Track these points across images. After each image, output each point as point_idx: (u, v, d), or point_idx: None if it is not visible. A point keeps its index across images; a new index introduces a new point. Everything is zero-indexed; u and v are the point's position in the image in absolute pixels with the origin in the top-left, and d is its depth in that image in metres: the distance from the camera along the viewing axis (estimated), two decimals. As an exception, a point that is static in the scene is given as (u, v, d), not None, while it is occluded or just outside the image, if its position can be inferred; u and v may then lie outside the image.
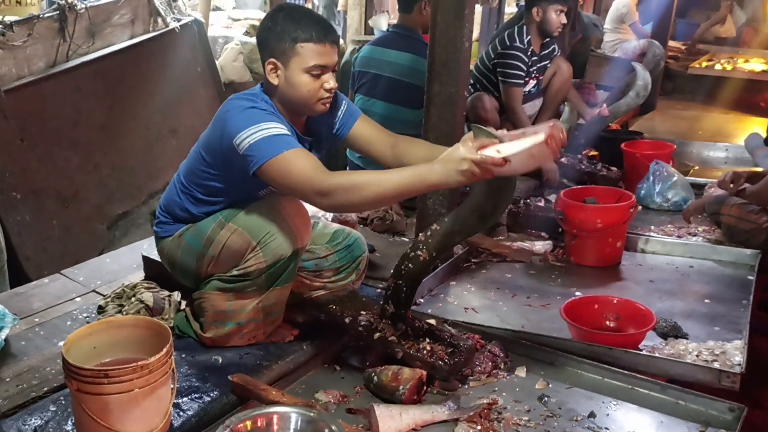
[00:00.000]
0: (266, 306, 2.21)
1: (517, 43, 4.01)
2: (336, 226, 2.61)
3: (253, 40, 4.66)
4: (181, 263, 2.29)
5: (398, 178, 1.96)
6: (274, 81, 2.12)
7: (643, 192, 3.74)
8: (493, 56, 4.09)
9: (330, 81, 2.12)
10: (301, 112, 2.20)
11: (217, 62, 4.54)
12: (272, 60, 2.11)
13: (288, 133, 2.05)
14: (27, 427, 1.85)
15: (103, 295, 2.56)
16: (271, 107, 2.12)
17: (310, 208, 2.87)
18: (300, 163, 1.99)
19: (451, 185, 1.91)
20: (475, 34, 6.63)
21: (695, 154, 4.75)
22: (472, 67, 4.19)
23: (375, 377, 2.10)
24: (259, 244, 2.13)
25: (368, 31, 5.96)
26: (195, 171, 2.22)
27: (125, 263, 2.91)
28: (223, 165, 2.13)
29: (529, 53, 4.04)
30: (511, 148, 1.85)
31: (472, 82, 4.21)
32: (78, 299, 2.62)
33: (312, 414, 1.83)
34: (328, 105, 2.18)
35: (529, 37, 4.05)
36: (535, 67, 4.15)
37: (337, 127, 2.35)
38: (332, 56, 2.11)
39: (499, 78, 4.07)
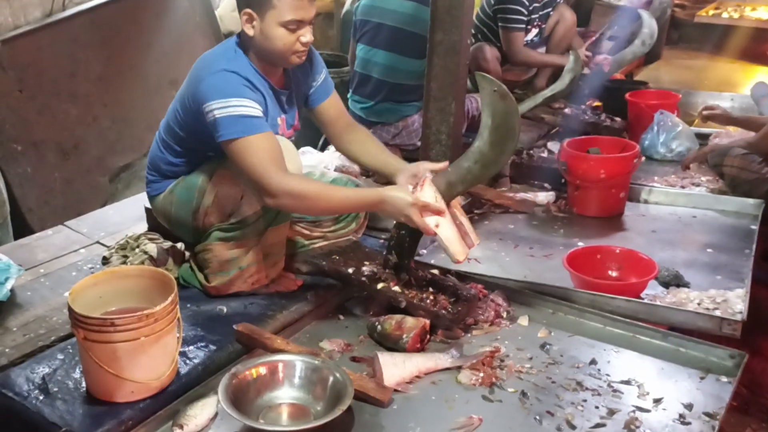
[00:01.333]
0: (265, 247, 2.22)
1: None
2: (335, 174, 2.60)
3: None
4: (177, 218, 2.31)
5: (348, 198, 2.10)
6: (249, 32, 2.10)
7: (647, 142, 3.71)
8: (493, 2, 4.01)
9: (306, 35, 2.11)
10: (276, 64, 2.19)
11: (215, 12, 4.46)
12: (248, 11, 2.08)
13: (258, 113, 2.04)
14: (35, 375, 1.88)
15: (107, 247, 2.57)
16: (247, 65, 2.11)
17: (312, 158, 2.88)
18: (260, 152, 2.00)
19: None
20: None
21: (700, 104, 4.64)
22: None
23: (378, 326, 2.11)
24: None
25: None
26: (172, 127, 2.22)
27: (128, 215, 2.92)
28: (194, 123, 2.12)
29: None
30: (445, 230, 2.06)
31: (473, 32, 4.14)
32: (82, 250, 2.63)
33: (317, 362, 1.85)
34: (303, 58, 2.17)
35: None
36: (537, 15, 4.07)
37: (311, 93, 2.37)
38: (309, 11, 2.09)
39: (499, 24, 4.00)
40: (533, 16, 4.06)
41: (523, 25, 3.99)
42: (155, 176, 2.33)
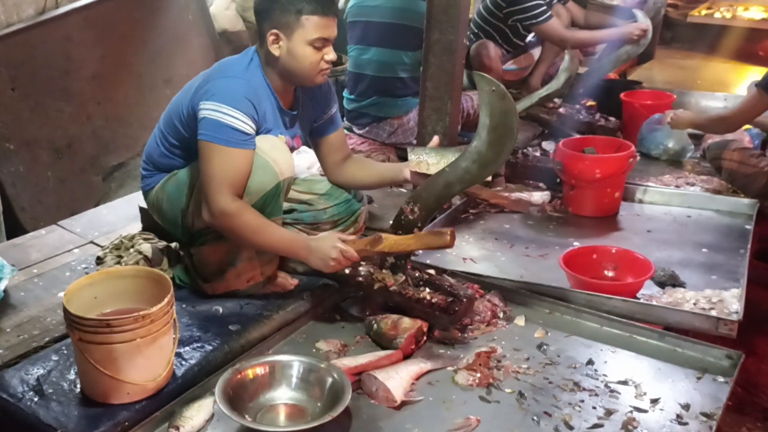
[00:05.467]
0: None
1: None
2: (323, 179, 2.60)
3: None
4: (168, 215, 2.30)
5: (278, 234, 2.12)
6: (276, 52, 2.12)
7: (642, 138, 3.70)
8: (503, 5, 3.98)
9: (331, 53, 2.15)
10: (298, 83, 2.23)
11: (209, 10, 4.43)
12: (274, 31, 2.11)
13: (247, 129, 2.04)
14: (30, 376, 1.86)
15: (101, 246, 2.55)
16: (260, 78, 2.14)
17: (307, 157, 2.87)
18: (225, 166, 2.02)
19: (311, 266, 2.13)
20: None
21: (693, 104, 4.69)
22: (472, 15, 4.11)
23: (375, 325, 2.11)
24: None
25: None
26: (173, 120, 2.21)
27: (122, 214, 2.90)
28: (195, 122, 2.11)
29: None
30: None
31: (475, 31, 4.13)
32: (76, 250, 2.62)
33: (314, 362, 1.85)
34: (326, 76, 2.22)
35: None
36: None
37: (319, 124, 2.41)
38: (334, 29, 2.14)
39: (526, 23, 3.95)
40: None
41: (550, 13, 3.90)
42: (149, 170, 2.32)
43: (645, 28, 4.07)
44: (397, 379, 1.88)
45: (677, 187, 3.33)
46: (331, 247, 2.08)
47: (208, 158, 2.03)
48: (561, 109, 4.10)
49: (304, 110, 2.33)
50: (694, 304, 2.26)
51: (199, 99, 2.07)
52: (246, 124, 2.04)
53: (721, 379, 1.93)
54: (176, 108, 2.21)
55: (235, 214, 2.02)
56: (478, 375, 1.94)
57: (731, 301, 2.25)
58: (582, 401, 1.85)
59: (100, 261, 2.42)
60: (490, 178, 2.43)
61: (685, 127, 3.58)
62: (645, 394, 1.88)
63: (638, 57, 5.20)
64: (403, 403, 1.84)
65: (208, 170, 2.03)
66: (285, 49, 2.12)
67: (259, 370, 1.83)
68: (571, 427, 1.76)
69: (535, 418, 1.79)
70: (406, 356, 2.02)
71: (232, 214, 2.02)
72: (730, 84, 5.38)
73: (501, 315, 2.24)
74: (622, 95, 4.08)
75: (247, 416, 1.72)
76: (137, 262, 2.31)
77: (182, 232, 2.31)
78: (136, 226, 2.69)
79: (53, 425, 1.70)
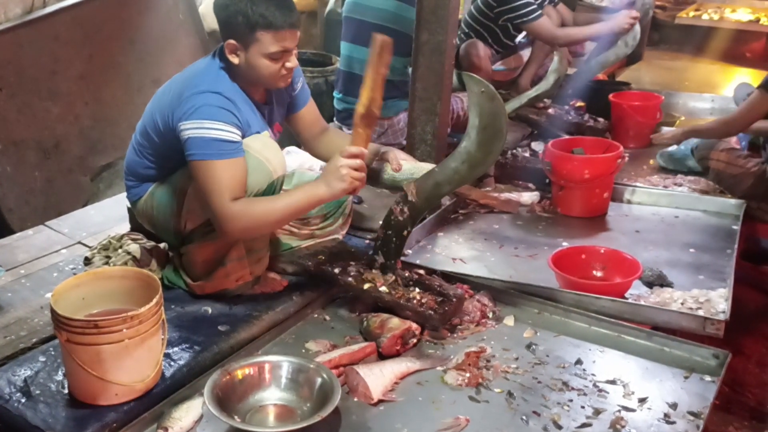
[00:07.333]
0: (247, 243, 2.21)
1: None
2: (317, 173, 2.60)
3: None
4: (159, 221, 2.29)
5: (289, 200, 2.07)
6: (234, 60, 2.10)
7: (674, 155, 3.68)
8: (494, 5, 3.98)
9: (291, 60, 2.12)
10: (261, 86, 2.21)
11: (198, 10, 4.42)
12: (231, 42, 2.08)
13: (232, 137, 2.02)
14: (17, 377, 1.85)
15: (89, 247, 2.54)
16: (229, 84, 2.11)
17: (296, 158, 2.87)
18: (223, 178, 2.00)
19: (338, 195, 2.05)
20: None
21: (681, 105, 4.74)
22: (461, 16, 4.12)
23: (365, 322, 2.12)
24: None
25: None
26: (149, 133, 2.20)
27: (110, 215, 2.89)
28: (172, 137, 2.10)
29: None
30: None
31: (466, 31, 4.14)
32: (63, 251, 2.60)
33: (303, 362, 1.85)
34: (288, 80, 2.20)
35: None
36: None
37: (289, 102, 2.40)
38: (293, 39, 2.10)
39: (516, 22, 3.95)
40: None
41: (539, 11, 3.91)
42: (133, 181, 2.31)
43: (635, 16, 4.07)
44: (379, 377, 1.88)
45: (665, 187, 3.35)
46: (335, 164, 2.02)
47: (204, 176, 2.01)
48: (550, 110, 4.12)
49: (278, 97, 2.33)
50: (682, 303, 2.28)
51: (178, 119, 2.04)
52: (231, 133, 2.03)
53: (708, 378, 1.95)
54: (150, 119, 2.18)
55: (242, 212, 2.01)
56: (468, 375, 1.94)
57: (718, 301, 2.27)
58: (571, 401, 1.86)
59: (87, 261, 2.40)
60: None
61: (683, 139, 3.56)
62: (633, 393, 1.89)
63: (626, 58, 5.24)
64: (380, 402, 1.84)
65: (207, 187, 2.01)
66: (243, 59, 2.09)
67: (248, 371, 1.82)
68: (559, 427, 1.76)
69: (524, 417, 1.80)
70: (389, 356, 2.03)
71: (239, 215, 2.01)
72: (718, 85, 5.41)
73: (490, 315, 2.25)
74: (610, 96, 4.10)
75: (236, 417, 1.71)
76: (125, 263, 2.30)
77: (174, 237, 2.30)
78: (125, 227, 2.67)
79: (41, 427, 1.69)
